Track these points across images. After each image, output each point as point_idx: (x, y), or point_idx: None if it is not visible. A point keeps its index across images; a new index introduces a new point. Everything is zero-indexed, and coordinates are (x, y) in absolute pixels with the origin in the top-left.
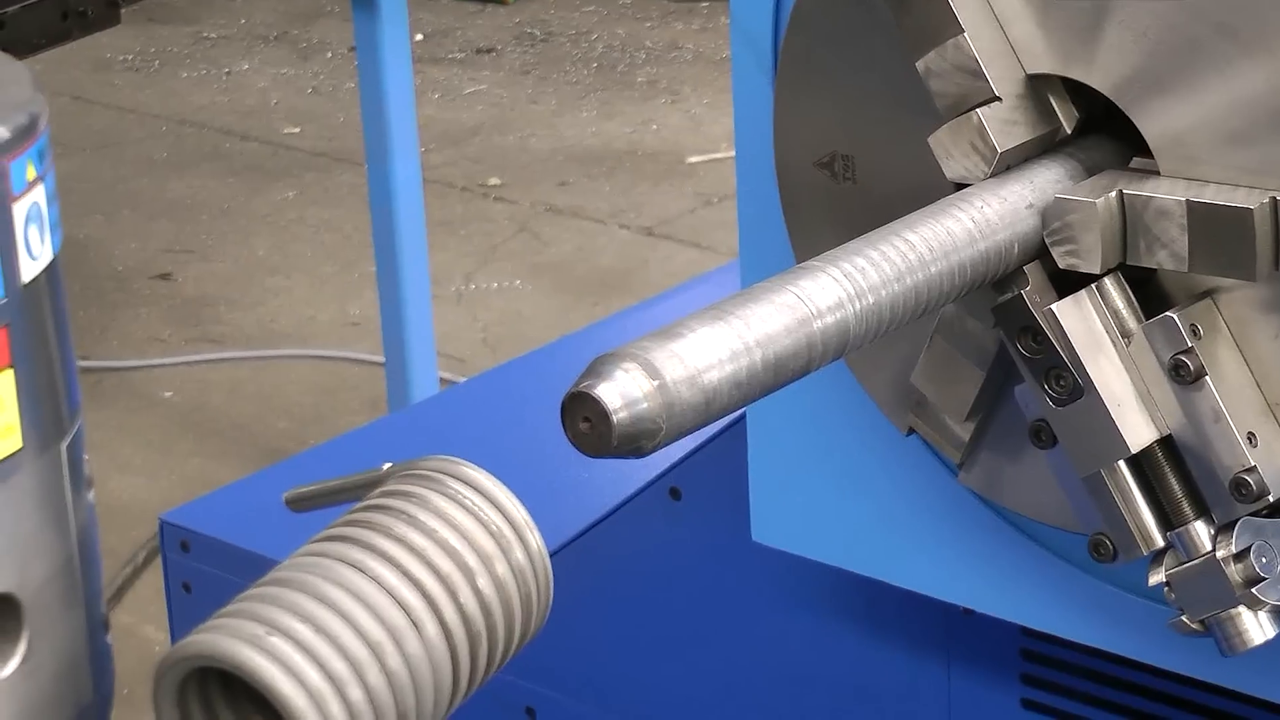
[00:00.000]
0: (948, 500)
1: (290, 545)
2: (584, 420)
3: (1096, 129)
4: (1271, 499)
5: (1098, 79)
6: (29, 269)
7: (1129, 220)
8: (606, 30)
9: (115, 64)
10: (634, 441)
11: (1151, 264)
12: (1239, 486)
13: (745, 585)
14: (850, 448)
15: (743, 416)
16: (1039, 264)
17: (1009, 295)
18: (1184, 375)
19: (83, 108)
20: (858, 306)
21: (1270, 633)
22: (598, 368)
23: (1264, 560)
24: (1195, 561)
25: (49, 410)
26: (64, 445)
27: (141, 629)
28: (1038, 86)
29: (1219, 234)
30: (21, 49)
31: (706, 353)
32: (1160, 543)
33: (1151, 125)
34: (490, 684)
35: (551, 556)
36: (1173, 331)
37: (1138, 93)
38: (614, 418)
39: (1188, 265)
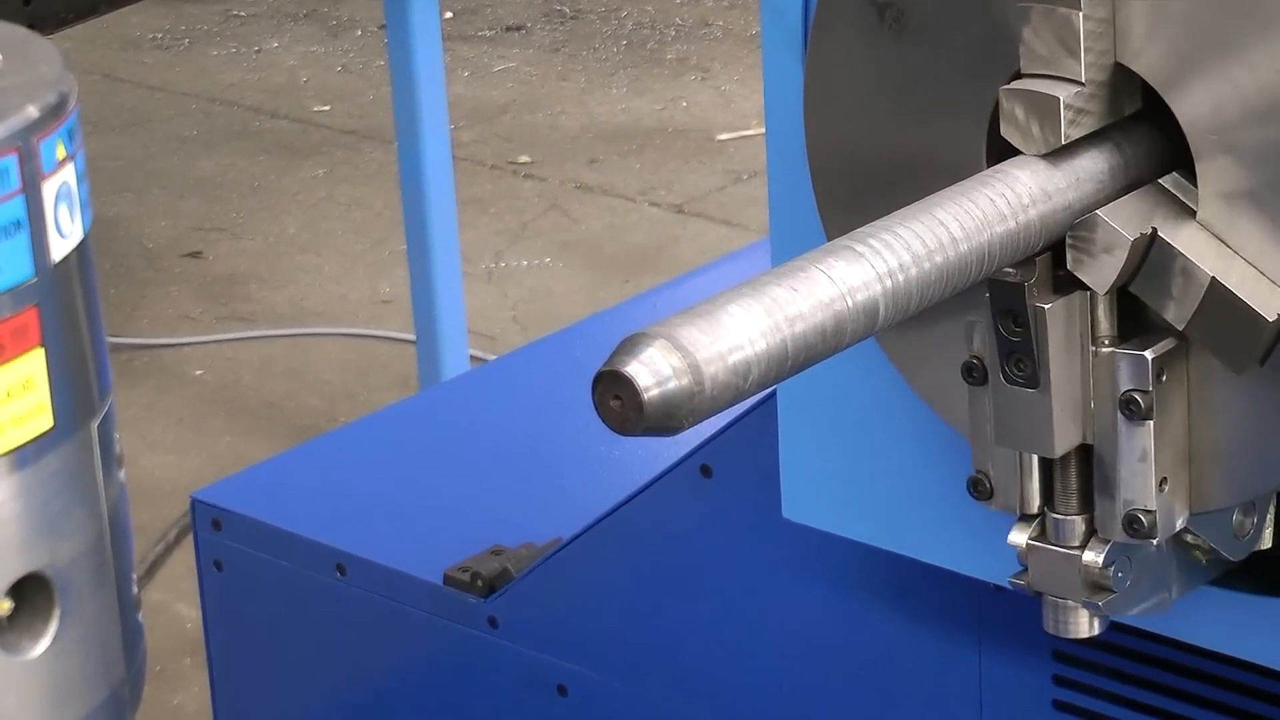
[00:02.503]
0: None
1: (320, 523)
2: (614, 398)
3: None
4: (1154, 543)
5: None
6: (59, 248)
7: (1151, 258)
8: (636, 7)
9: (145, 42)
10: (665, 420)
11: (1153, 305)
12: (1133, 522)
13: (776, 562)
14: (881, 425)
15: (773, 394)
16: (1050, 256)
17: (1013, 278)
18: (1133, 412)
19: (112, 86)
20: (889, 284)
21: (1096, 631)
22: (628, 346)
23: (1119, 575)
24: (1061, 550)
25: (80, 389)
26: (95, 424)
27: (173, 607)
28: (1118, 75)
29: (1228, 322)
30: (48, 24)
31: (737, 331)
32: (1034, 510)
33: (1189, 115)
34: (521, 662)
35: (582, 534)
36: (1141, 371)
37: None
38: (644, 396)
39: (1184, 327)
